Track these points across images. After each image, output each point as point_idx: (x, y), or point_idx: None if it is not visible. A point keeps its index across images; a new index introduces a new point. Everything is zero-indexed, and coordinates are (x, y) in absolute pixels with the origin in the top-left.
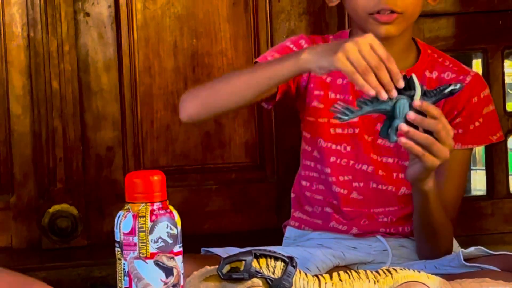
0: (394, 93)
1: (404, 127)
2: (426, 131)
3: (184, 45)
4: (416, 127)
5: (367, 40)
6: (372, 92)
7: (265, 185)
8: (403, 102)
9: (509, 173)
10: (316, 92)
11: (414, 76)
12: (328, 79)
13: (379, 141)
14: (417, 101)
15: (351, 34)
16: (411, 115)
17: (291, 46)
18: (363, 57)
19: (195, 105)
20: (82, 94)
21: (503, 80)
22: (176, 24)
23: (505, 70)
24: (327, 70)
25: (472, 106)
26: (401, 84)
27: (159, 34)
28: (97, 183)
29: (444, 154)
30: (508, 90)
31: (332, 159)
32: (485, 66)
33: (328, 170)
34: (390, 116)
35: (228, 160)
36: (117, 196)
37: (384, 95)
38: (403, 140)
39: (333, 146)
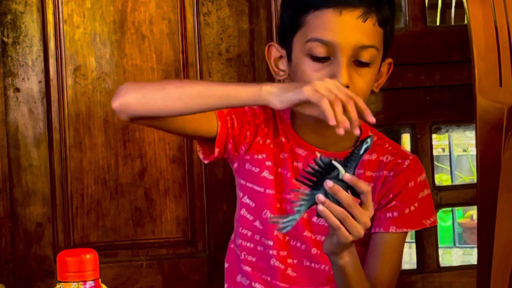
0: (357, 132)
1: (321, 197)
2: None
3: (115, 120)
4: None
5: (333, 81)
6: (333, 122)
7: (196, 261)
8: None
9: (439, 247)
10: (268, 163)
11: (334, 162)
12: (273, 152)
13: (314, 219)
14: (347, 174)
15: (292, 114)
16: (329, 183)
17: (246, 109)
18: (331, 92)
19: (135, 96)
20: (12, 169)
21: (431, 154)
22: (107, 99)
23: (433, 143)
24: (289, 104)
25: (408, 190)
26: (357, 132)
27: (90, 109)
28: (26, 260)
29: (356, 231)
30: (436, 163)
31: (276, 232)
32: (414, 141)
33: (271, 243)
34: None
35: (159, 235)
36: (46, 273)
37: (341, 132)
38: (320, 208)
39: None
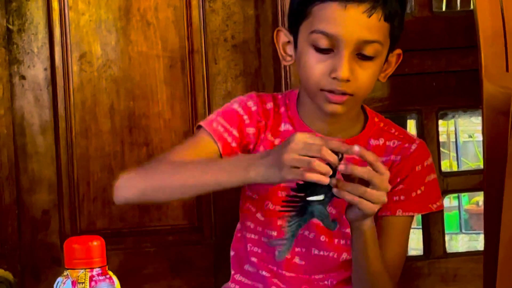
0: (334, 181)
1: (333, 181)
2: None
3: (120, 107)
4: None
5: (300, 140)
6: (327, 182)
7: (203, 247)
8: (316, 207)
9: (445, 233)
10: None
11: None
12: (277, 141)
13: None
14: (341, 165)
15: (299, 95)
16: (342, 167)
17: (239, 109)
18: (303, 157)
19: (134, 192)
20: (18, 157)
21: (438, 140)
22: (113, 86)
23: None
24: (278, 183)
25: (415, 174)
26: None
27: (96, 97)
28: (32, 247)
29: (379, 199)
30: (441, 149)
31: (279, 222)
32: (420, 126)
33: (274, 233)
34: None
35: (165, 222)
36: (53, 260)
37: (326, 180)
38: (335, 190)
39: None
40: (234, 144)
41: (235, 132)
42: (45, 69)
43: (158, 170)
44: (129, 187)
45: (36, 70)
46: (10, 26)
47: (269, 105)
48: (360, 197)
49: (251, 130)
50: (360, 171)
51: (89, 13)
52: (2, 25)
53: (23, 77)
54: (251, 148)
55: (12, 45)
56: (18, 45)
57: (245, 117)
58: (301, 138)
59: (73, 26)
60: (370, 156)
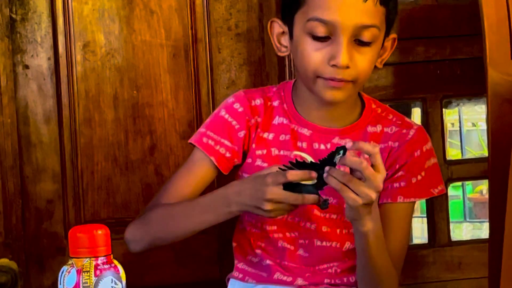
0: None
1: (327, 168)
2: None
3: (124, 96)
4: None
5: (272, 188)
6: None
7: (207, 236)
8: (306, 188)
9: (450, 221)
10: (259, 152)
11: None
12: (270, 136)
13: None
14: (356, 143)
15: (294, 86)
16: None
17: (226, 116)
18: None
19: (143, 245)
20: (22, 146)
21: (443, 128)
22: (116, 76)
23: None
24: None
25: (414, 160)
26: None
27: (99, 86)
28: (37, 237)
29: (363, 192)
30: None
31: (279, 216)
32: (424, 115)
33: (275, 227)
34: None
35: None
36: (57, 250)
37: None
38: (324, 175)
39: None
40: (228, 155)
41: (226, 142)
42: (49, 59)
43: (153, 220)
44: (137, 241)
45: (40, 60)
46: (13, 15)
47: (258, 101)
48: (345, 185)
49: (242, 133)
50: (351, 160)
51: (92, 2)
52: (5, 14)
53: (26, 67)
54: (246, 149)
55: (15, 34)
56: (21, 34)
57: (234, 122)
58: (272, 179)
59: (76, 15)
60: (371, 149)
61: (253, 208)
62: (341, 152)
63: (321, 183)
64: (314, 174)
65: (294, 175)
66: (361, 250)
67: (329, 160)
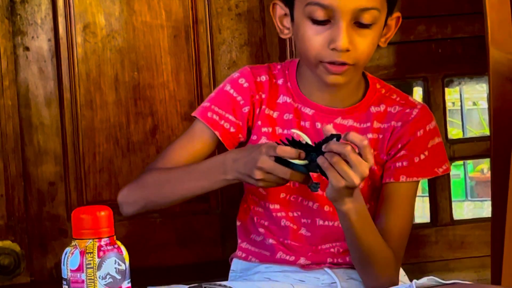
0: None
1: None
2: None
3: (125, 78)
4: None
5: (265, 157)
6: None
7: (210, 217)
8: (296, 167)
9: (452, 200)
10: (264, 130)
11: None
12: (275, 115)
13: None
14: (350, 134)
15: (299, 65)
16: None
17: (231, 91)
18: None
19: (136, 208)
20: (23, 129)
21: (444, 108)
22: (117, 57)
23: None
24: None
25: (417, 139)
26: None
27: (100, 68)
28: (39, 219)
29: (348, 176)
30: (448, 117)
31: (282, 195)
32: (426, 94)
33: (278, 206)
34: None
35: None
36: (60, 231)
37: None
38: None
39: None
40: (232, 130)
41: (231, 118)
42: (49, 40)
43: (148, 183)
44: (129, 204)
45: (40, 41)
46: None
47: (264, 77)
48: (332, 166)
49: (246, 109)
50: (335, 144)
51: None
52: None
53: (27, 49)
54: (250, 125)
55: (16, 16)
56: (21, 16)
57: (239, 98)
58: (265, 152)
59: None
60: (359, 141)
61: (245, 177)
62: (335, 139)
63: (313, 166)
64: (303, 154)
65: (283, 151)
66: (346, 229)
67: (323, 145)
